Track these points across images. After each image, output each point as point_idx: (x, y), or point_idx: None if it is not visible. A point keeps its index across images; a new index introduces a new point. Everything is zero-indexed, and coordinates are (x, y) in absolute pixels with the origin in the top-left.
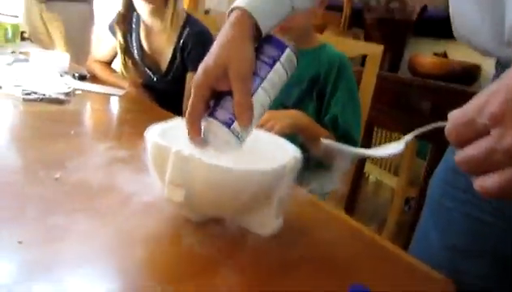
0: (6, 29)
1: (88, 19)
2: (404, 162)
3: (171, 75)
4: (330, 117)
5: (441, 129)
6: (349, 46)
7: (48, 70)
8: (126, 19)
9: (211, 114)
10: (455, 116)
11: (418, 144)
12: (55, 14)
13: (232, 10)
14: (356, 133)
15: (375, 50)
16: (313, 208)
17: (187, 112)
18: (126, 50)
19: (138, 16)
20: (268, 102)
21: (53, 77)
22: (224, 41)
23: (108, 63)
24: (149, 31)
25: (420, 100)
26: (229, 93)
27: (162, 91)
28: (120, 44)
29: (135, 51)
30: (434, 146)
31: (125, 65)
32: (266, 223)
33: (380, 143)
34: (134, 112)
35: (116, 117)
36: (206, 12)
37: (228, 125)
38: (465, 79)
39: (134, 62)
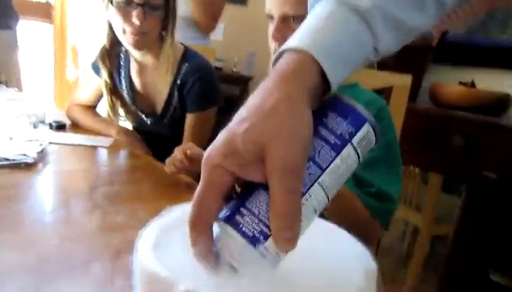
0: None
1: (13, 46)
2: (429, 198)
3: (168, 117)
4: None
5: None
6: (373, 78)
7: (18, 121)
8: (113, 55)
9: (229, 218)
10: None
11: (443, 179)
12: None
13: (281, 54)
14: (395, 192)
15: (403, 81)
16: None
17: (190, 213)
18: (114, 90)
19: (128, 51)
20: (325, 204)
21: (22, 132)
22: (264, 106)
23: (93, 107)
24: (141, 67)
25: (451, 135)
26: (263, 187)
27: (158, 136)
28: (105, 82)
29: (125, 91)
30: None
31: (112, 107)
32: None
33: (409, 182)
34: (126, 171)
35: (102, 178)
36: None
37: (256, 242)
38: (493, 110)
39: (124, 104)
